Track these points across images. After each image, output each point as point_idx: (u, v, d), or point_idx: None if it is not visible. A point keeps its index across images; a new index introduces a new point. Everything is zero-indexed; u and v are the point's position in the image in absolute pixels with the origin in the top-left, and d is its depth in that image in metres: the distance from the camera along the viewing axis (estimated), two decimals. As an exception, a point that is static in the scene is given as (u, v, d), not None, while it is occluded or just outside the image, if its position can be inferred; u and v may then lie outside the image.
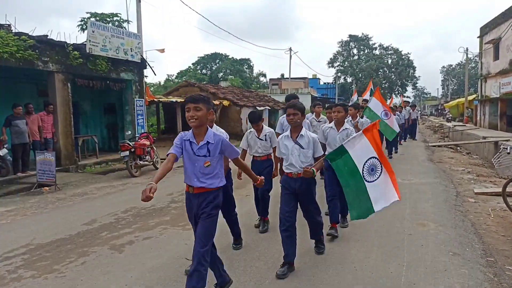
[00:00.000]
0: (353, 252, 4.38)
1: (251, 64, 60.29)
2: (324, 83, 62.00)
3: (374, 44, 65.77)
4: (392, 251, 4.39)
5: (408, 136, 18.87)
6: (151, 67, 14.31)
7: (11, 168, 9.24)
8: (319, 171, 3.96)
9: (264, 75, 60.19)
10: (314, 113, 8.08)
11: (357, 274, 3.81)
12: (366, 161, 3.50)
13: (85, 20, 18.46)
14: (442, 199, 6.94)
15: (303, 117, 3.86)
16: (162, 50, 16.92)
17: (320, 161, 3.77)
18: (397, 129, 8.80)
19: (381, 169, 3.52)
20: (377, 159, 3.51)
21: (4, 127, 9.20)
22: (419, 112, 25.39)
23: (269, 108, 24.77)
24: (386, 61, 63.62)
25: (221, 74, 57.28)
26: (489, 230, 5.23)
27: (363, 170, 3.51)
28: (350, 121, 7.40)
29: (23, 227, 5.68)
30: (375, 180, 3.51)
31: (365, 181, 3.49)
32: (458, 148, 16.26)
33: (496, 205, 6.51)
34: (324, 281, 3.67)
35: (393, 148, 13.51)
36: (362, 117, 7.92)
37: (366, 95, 17.62)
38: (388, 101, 20.27)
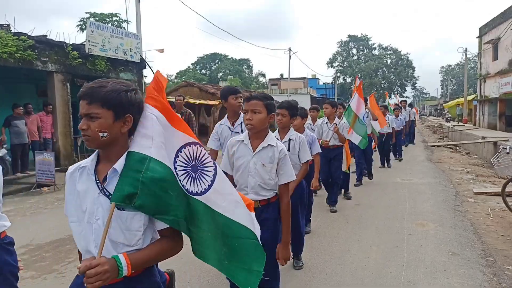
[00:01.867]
0: (352, 252, 4.38)
1: (251, 64, 60.40)
2: (324, 83, 61.96)
3: (373, 44, 65.85)
4: (392, 251, 4.40)
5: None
6: (150, 67, 14.30)
7: (10, 168, 9.23)
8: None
9: (264, 75, 60.26)
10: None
11: (357, 274, 3.82)
12: (177, 154, 1.66)
13: (85, 20, 18.48)
14: (442, 199, 6.94)
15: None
16: (162, 50, 16.91)
17: None
18: (366, 136, 7.10)
19: (214, 169, 1.72)
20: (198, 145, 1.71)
21: (4, 127, 9.19)
22: (417, 112, 22.33)
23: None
24: (385, 61, 63.65)
25: (221, 74, 57.33)
26: (489, 230, 5.24)
27: (177, 174, 1.63)
28: (326, 123, 6.14)
29: (22, 228, 5.67)
30: (209, 187, 1.68)
31: (189, 194, 1.63)
32: (457, 148, 16.28)
33: (496, 205, 6.52)
34: (324, 281, 3.67)
35: (396, 154, 11.91)
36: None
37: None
38: (387, 101, 19.89)
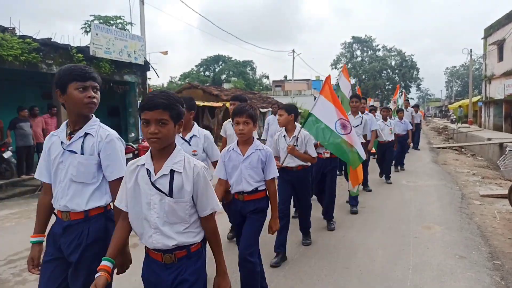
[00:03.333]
0: (358, 255, 4.35)
1: (254, 66, 60.36)
2: (327, 84, 61.89)
3: (377, 45, 65.81)
4: (398, 254, 4.36)
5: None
6: (154, 70, 14.34)
7: (16, 171, 9.27)
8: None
9: (267, 77, 60.27)
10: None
11: (363, 277, 3.78)
12: None
13: (89, 22, 18.48)
14: (448, 201, 6.89)
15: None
16: (165, 52, 16.97)
17: None
18: (363, 155, 5.04)
19: None
20: None
21: (9, 130, 9.25)
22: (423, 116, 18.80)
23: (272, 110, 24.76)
24: (389, 63, 63.59)
25: (224, 76, 57.37)
26: (495, 233, 5.18)
27: None
28: (284, 136, 4.37)
29: (28, 230, 5.65)
30: None
31: None
32: (463, 150, 16.18)
33: (502, 208, 6.45)
34: (330, 284, 3.64)
35: (398, 165, 10.23)
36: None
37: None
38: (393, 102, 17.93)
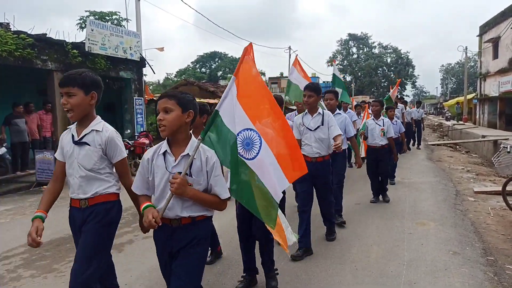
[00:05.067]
0: (353, 251, 4.38)
1: (251, 62, 60.27)
2: (324, 81, 61.89)
3: (373, 43, 65.94)
4: (392, 250, 4.39)
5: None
6: (150, 66, 14.29)
7: (10, 167, 9.23)
8: None
9: (263, 74, 60.22)
10: None
11: (357, 273, 3.81)
12: None
13: (84, 18, 18.40)
14: (442, 198, 6.94)
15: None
16: (161, 49, 16.91)
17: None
18: (279, 197, 2.58)
19: None
20: None
21: (4, 126, 9.20)
22: (421, 111, 16.21)
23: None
24: (385, 60, 63.72)
25: (220, 72, 57.34)
26: (489, 229, 5.24)
27: None
28: (166, 152, 2.25)
29: (22, 226, 5.65)
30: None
31: None
32: (457, 147, 16.29)
33: (496, 204, 6.52)
34: (324, 280, 3.66)
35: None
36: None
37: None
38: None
